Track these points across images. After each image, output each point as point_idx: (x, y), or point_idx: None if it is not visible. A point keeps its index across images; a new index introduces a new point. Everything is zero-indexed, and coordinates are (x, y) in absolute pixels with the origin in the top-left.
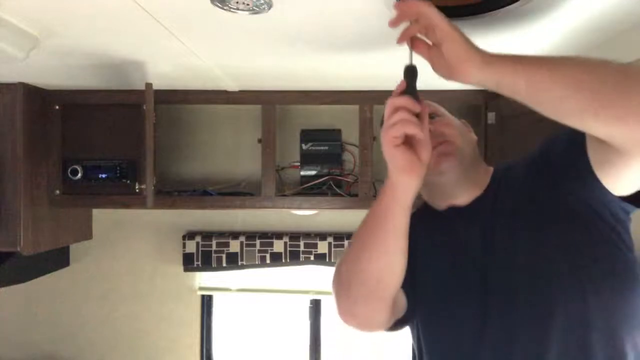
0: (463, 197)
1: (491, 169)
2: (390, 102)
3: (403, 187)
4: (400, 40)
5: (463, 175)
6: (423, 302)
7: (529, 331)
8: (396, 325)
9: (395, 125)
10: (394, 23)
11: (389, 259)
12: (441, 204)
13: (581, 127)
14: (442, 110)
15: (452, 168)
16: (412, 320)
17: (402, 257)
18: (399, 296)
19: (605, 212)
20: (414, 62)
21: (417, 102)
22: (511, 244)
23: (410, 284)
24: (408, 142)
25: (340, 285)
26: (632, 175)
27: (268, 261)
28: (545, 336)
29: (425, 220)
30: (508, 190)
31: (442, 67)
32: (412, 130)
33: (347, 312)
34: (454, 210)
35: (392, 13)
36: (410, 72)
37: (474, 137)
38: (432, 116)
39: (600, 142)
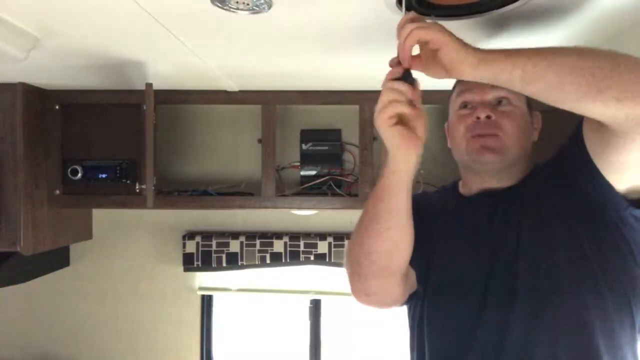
0: (495, 184)
1: (533, 164)
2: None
3: (402, 161)
4: (399, 63)
5: (502, 169)
6: (433, 281)
7: (521, 323)
8: (410, 299)
9: (388, 106)
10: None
11: (395, 237)
12: (473, 184)
13: (579, 111)
14: (515, 98)
15: (490, 163)
16: (421, 297)
17: (407, 234)
18: (410, 271)
19: (611, 214)
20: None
21: (409, 83)
22: (518, 238)
23: (422, 261)
24: (403, 119)
25: (352, 266)
26: (631, 160)
27: (268, 261)
28: (534, 330)
29: (449, 201)
30: (531, 190)
31: (436, 72)
32: (403, 109)
33: (361, 291)
34: (479, 195)
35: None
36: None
37: (535, 137)
38: (500, 100)
39: (596, 131)
